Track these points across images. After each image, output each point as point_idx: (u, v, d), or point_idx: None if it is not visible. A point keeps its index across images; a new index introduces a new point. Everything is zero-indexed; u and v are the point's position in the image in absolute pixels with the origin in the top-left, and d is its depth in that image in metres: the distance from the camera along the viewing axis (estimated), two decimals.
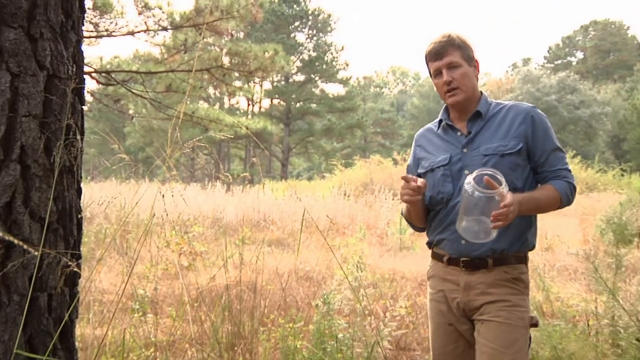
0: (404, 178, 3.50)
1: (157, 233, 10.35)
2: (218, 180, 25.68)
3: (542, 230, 12.59)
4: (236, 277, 6.38)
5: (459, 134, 3.70)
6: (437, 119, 3.88)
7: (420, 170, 3.84)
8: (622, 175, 34.55)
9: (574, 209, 17.15)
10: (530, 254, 3.70)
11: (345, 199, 22.52)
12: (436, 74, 3.62)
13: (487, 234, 3.28)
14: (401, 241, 14.78)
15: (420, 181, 3.49)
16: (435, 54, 3.58)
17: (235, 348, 4.77)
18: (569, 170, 3.58)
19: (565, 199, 3.48)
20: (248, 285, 6.43)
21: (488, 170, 3.27)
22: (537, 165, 3.58)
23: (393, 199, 20.49)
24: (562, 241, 12.69)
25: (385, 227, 16.31)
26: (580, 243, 13.57)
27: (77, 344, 2.49)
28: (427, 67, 3.72)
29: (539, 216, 3.73)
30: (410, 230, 15.15)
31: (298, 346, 4.27)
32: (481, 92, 3.72)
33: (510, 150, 3.50)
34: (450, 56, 3.53)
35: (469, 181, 3.25)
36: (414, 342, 7.52)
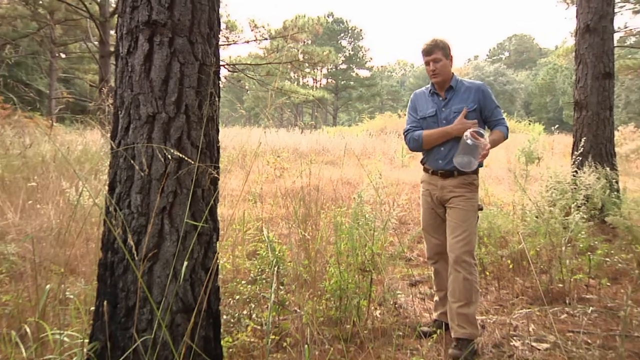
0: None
1: (262, 156, 10.43)
2: (296, 127, 25.73)
3: None
4: (307, 182, 6.38)
5: (440, 98, 3.83)
6: (426, 87, 3.98)
7: (418, 117, 3.93)
8: (529, 124, 34.29)
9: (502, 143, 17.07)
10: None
11: (370, 137, 22.53)
12: (426, 63, 3.78)
13: (471, 165, 3.48)
14: (402, 162, 14.87)
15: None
16: (426, 52, 3.74)
17: (307, 222, 4.79)
18: (504, 119, 3.82)
19: (506, 136, 3.76)
20: (314, 187, 6.44)
21: (478, 129, 3.49)
22: (486, 117, 3.78)
23: (397, 138, 20.44)
24: (496, 161, 12.75)
25: (393, 154, 16.45)
26: (505, 163, 13.48)
27: (218, 217, 2.51)
28: (422, 57, 3.83)
29: None
30: (408, 155, 15.35)
31: (343, 221, 4.27)
32: (453, 73, 3.81)
33: (470, 109, 3.69)
34: (435, 54, 3.70)
35: (467, 135, 3.42)
36: (409, 219, 7.53)
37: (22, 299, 3.40)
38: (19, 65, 30.58)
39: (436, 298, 4.05)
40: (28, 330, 2.66)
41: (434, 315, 4.05)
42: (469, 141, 3.41)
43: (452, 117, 3.72)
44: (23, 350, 2.55)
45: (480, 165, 3.72)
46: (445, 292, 3.80)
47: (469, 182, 3.71)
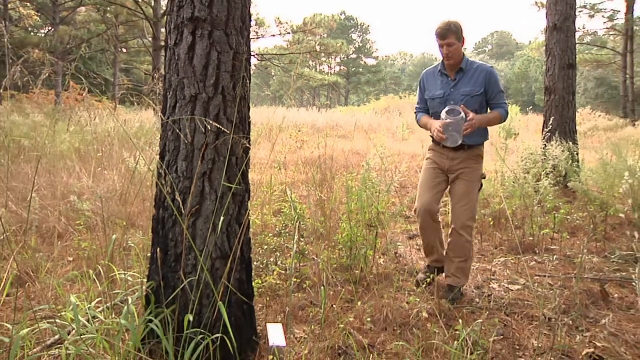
0: (440, 131, 3.24)
1: (285, 130, 10.35)
2: (314, 106, 25.53)
3: None
4: (323, 152, 6.34)
5: (449, 79, 3.39)
6: (436, 67, 3.51)
7: (426, 97, 3.52)
8: (508, 105, 33.56)
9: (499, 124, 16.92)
10: None
11: (375, 115, 22.20)
12: (440, 46, 3.29)
13: (457, 140, 3.17)
14: (402, 136, 14.57)
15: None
16: (440, 35, 3.25)
17: (323, 185, 4.77)
18: (506, 103, 3.39)
19: (503, 118, 3.34)
20: (328, 156, 6.41)
21: (451, 106, 3.20)
22: (489, 99, 3.36)
23: (399, 115, 20.18)
24: None
25: (395, 129, 16.07)
26: (488, 137, 13.26)
27: (249, 180, 2.48)
28: (436, 39, 3.32)
29: None
30: (408, 130, 15.10)
31: (353, 185, 4.22)
32: (463, 54, 3.35)
33: (477, 93, 3.30)
34: (448, 38, 3.23)
35: (443, 116, 3.17)
36: (409, 184, 7.44)
37: (96, 246, 3.50)
38: (91, 59, 31.56)
39: (423, 250, 3.77)
40: (101, 270, 2.78)
41: (427, 262, 3.78)
42: (447, 120, 3.14)
43: (460, 99, 3.33)
44: (98, 285, 2.74)
45: (486, 138, 3.47)
46: (431, 244, 3.59)
47: (476, 153, 3.41)
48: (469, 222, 3.35)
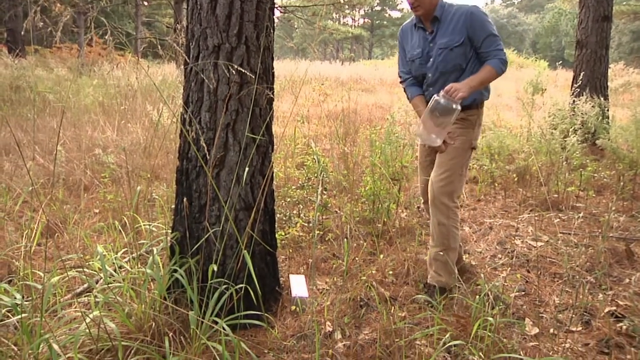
0: None
1: (308, 83, 10.23)
2: (337, 59, 25.11)
3: (497, 88, 12.23)
4: (346, 106, 6.25)
5: (427, 32, 2.65)
6: (412, 20, 2.76)
7: (407, 59, 2.79)
8: (536, 60, 32.53)
9: (512, 75, 16.41)
10: (490, 98, 2.77)
11: None
12: None
13: (433, 141, 2.55)
14: None
15: None
16: None
17: (346, 138, 4.72)
18: (501, 49, 2.53)
19: (499, 71, 2.51)
20: (352, 110, 6.32)
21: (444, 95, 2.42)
22: (476, 48, 2.54)
23: None
24: (507, 91, 12.27)
25: None
26: (515, 93, 12.95)
27: (273, 132, 2.46)
28: None
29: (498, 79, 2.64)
30: None
31: (376, 139, 4.17)
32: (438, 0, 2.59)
33: (456, 43, 2.53)
34: None
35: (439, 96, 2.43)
36: None
37: (121, 198, 3.55)
38: (113, 12, 31.37)
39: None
40: (127, 221, 2.82)
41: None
42: (439, 98, 2.42)
43: (438, 54, 2.60)
44: (124, 236, 2.75)
45: (483, 97, 2.71)
46: None
47: (462, 117, 2.59)
48: (443, 197, 2.65)
